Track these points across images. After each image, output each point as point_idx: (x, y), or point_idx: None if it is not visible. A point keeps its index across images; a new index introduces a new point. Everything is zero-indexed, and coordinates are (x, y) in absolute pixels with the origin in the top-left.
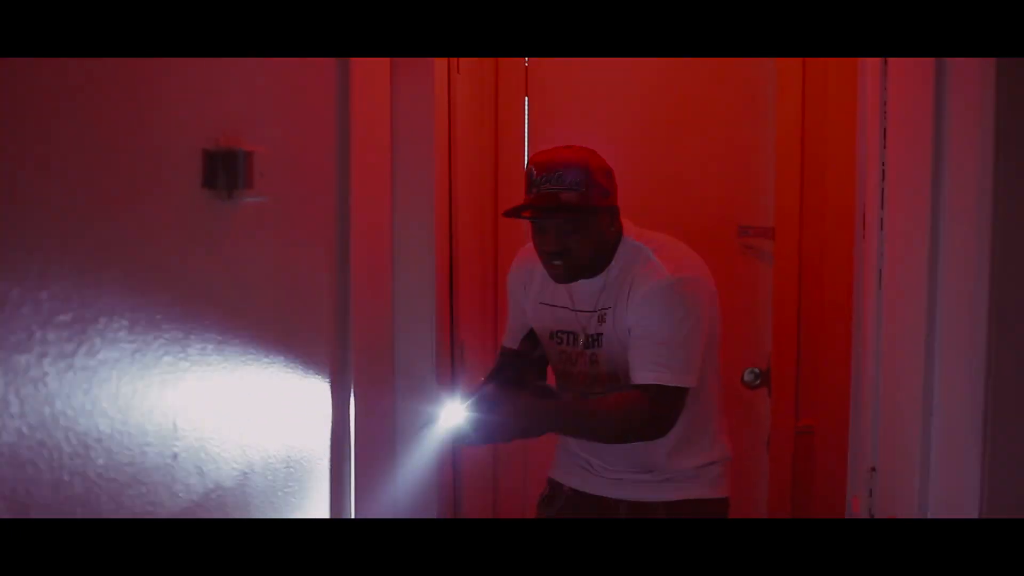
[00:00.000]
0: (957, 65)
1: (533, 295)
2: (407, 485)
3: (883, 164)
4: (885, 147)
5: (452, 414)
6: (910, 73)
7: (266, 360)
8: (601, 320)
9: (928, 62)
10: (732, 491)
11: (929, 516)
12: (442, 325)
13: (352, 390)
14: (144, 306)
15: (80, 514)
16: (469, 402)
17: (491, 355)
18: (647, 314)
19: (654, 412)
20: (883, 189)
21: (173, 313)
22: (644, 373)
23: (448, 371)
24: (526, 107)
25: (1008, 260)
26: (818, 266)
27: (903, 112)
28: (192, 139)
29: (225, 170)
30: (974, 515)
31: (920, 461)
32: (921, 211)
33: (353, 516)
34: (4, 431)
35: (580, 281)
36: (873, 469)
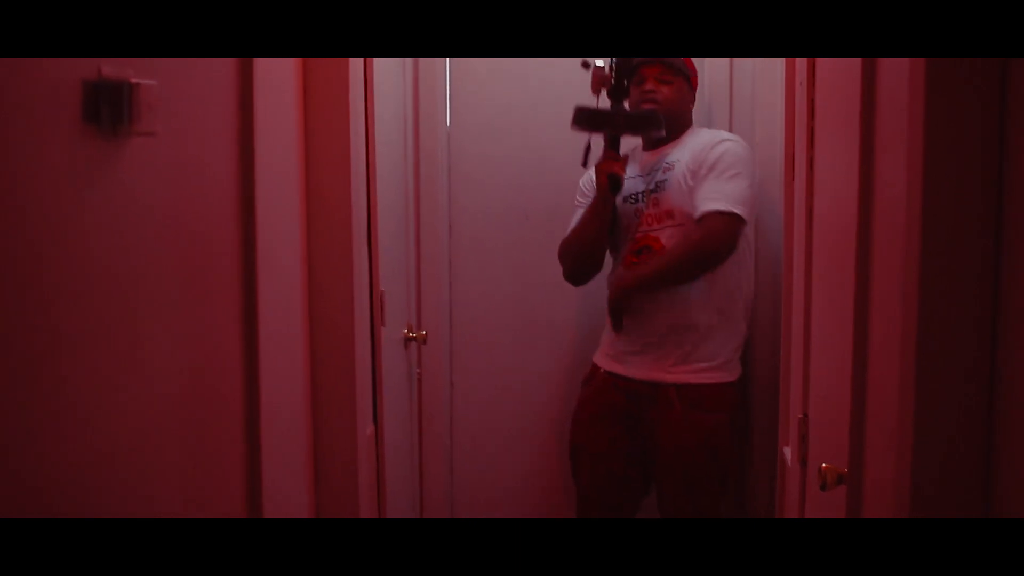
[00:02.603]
0: (885, 64)
1: None
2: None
3: (811, 101)
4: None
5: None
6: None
7: (164, 328)
8: (667, 169)
9: (855, 62)
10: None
11: (864, 464)
12: (360, 276)
13: (260, 363)
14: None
15: None
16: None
17: (414, 304)
18: (712, 159)
19: (715, 234)
20: (811, 128)
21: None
22: (709, 203)
23: (367, 314)
24: (447, 89)
25: (939, 197)
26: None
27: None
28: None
29: (109, 103)
30: (906, 463)
31: (853, 409)
32: (851, 142)
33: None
34: None
35: (653, 151)
36: (804, 415)
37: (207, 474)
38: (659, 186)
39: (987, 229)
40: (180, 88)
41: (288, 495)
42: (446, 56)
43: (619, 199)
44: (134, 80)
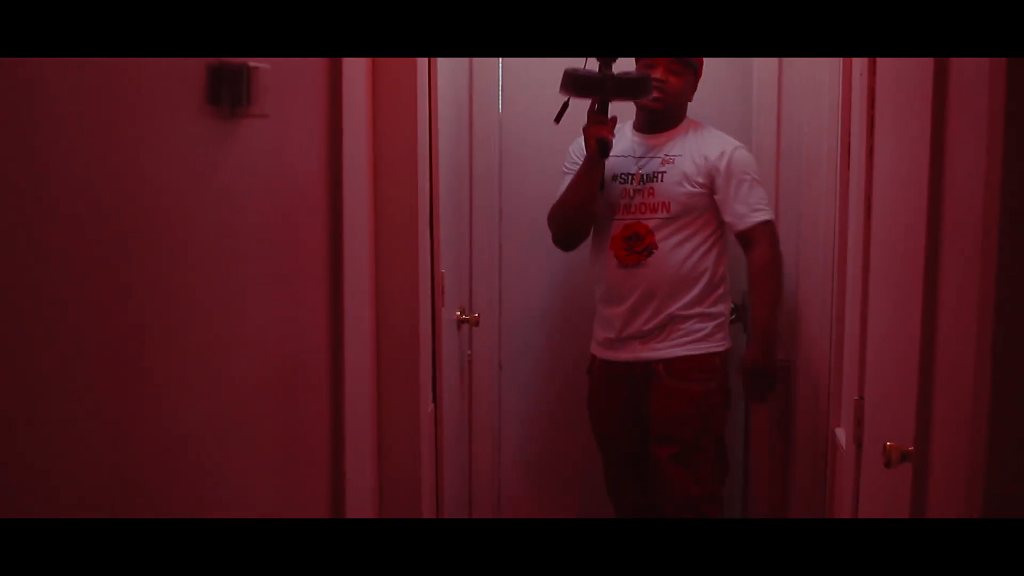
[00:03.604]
0: (958, 65)
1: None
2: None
3: (872, 91)
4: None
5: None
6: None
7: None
8: (667, 161)
9: (927, 62)
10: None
11: (930, 442)
12: (424, 257)
13: (345, 342)
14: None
15: None
16: None
17: (467, 287)
18: (737, 170)
19: (774, 241)
20: (871, 117)
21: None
22: (756, 215)
23: (429, 295)
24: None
25: (1019, 184)
26: (796, 199)
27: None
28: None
29: (230, 86)
30: (982, 445)
31: (920, 388)
32: (919, 131)
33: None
34: None
35: (648, 135)
36: (861, 397)
37: (298, 443)
38: (657, 176)
39: None
40: (284, 71)
41: (359, 469)
42: (499, 56)
43: (608, 175)
44: (252, 64)
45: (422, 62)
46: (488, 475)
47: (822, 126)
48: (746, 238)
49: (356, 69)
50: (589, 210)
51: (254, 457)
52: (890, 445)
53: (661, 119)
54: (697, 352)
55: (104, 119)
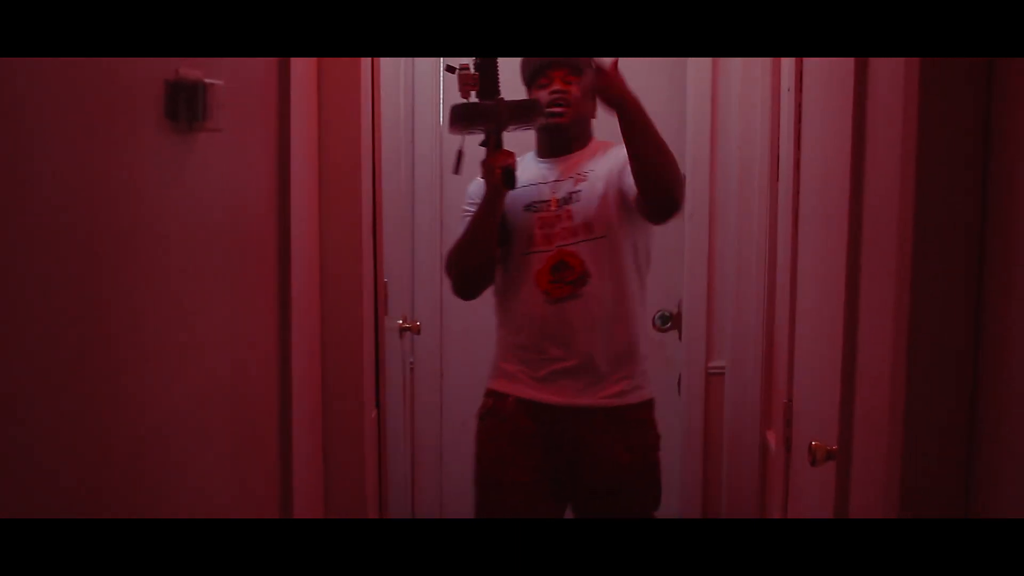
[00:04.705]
0: (877, 67)
1: None
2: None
3: (799, 106)
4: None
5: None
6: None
7: (214, 287)
8: (580, 180)
9: (847, 66)
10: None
11: (852, 441)
12: (367, 266)
13: (292, 350)
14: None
15: None
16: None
17: (408, 296)
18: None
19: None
20: (798, 132)
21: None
22: None
23: (372, 303)
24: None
25: (930, 194)
26: (730, 210)
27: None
28: (152, 70)
29: (187, 101)
30: (898, 443)
31: (843, 392)
32: (841, 143)
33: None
34: None
35: (557, 159)
36: (789, 401)
37: (249, 447)
38: (573, 197)
39: (974, 221)
40: (237, 85)
41: (307, 472)
42: (446, 56)
43: (519, 207)
44: (207, 80)
45: (366, 71)
46: (430, 478)
47: (755, 140)
48: None
49: (303, 81)
50: (494, 251)
51: (208, 459)
52: (815, 444)
53: (568, 138)
54: (639, 400)
55: (71, 134)
